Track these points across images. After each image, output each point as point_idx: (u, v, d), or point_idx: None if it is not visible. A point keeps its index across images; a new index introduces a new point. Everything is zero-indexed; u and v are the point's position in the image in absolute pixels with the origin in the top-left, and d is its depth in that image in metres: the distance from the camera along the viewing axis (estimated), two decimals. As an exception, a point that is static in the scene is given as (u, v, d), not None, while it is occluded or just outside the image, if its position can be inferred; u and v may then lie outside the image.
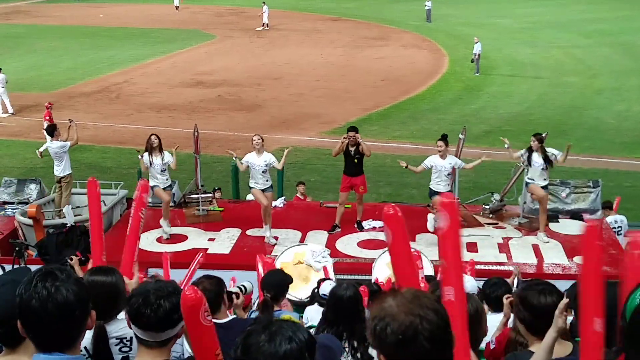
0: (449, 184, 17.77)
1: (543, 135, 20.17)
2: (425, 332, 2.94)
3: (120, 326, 5.33)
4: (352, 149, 18.22)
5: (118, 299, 5.36)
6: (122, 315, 5.33)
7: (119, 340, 5.35)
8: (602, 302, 3.87)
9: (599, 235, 3.78)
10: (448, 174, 17.68)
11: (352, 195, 18.99)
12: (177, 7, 77.56)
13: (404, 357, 2.99)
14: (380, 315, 3.05)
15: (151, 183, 18.29)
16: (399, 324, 2.97)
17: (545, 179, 17.78)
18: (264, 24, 64.34)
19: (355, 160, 18.34)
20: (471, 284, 9.77)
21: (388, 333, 2.99)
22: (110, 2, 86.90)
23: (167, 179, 18.47)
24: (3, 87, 35.96)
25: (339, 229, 18.66)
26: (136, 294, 4.56)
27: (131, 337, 5.24)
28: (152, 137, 18.37)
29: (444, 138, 17.97)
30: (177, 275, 10.44)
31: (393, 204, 3.78)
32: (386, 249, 15.13)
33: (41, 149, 20.26)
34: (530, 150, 17.72)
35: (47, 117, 29.46)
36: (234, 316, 7.35)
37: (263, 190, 17.87)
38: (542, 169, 17.60)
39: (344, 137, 18.35)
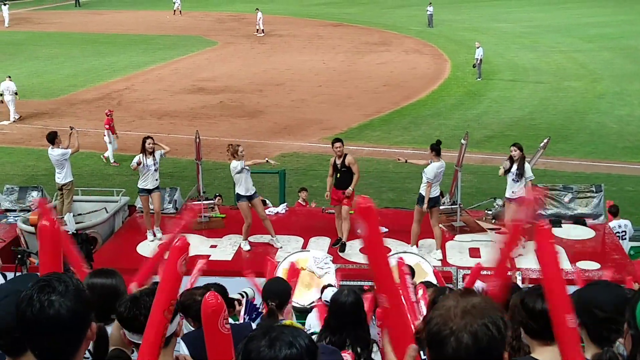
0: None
1: (546, 140, 20.21)
2: (450, 348, 2.92)
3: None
4: (338, 161, 18.05)
5: (114, 302, 5.36)
6: None
7: None
8: (568, 299, 3.89)
9: (550, 235, 3.75)
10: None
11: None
12: (176, 12, 77.56)
13: (434, 358, 3.02)
14: (437, 307, 3.08)
15: (141, 185, 18.50)
16: (437, 323, 3.00)
17: (513, 192, 17.60)
18: (258, 29, 64.33)
19: (338, 175, 18.09)
20: None
21: (430, 327, 3.03)
22: (111, 8, 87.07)
23: (156, 179, 18.69)
24: (11, 95, 36.09)
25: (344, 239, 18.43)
26: (124, 302, 4.57)
27: None
28: (148, 140, 18.50)
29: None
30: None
31: (366, 197, 3.75)
32: (388, 254, 15.17)
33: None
34: (511, 160, 17.63)
35: (108, 125, 29.57)
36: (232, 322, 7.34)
37: (251, 197, 17.97)
38: (512, 179, 17.50)
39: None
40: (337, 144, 18.03)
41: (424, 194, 17.32)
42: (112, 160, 29.64)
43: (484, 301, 3.07)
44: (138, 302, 4.58)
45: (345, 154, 18.02)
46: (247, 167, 17.75)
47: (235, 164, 17.62)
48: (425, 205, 17.32)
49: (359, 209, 3.63)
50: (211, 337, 4.20)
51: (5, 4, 76.79)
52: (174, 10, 78.19)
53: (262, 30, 64.22)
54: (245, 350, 3.21)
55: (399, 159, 18.92)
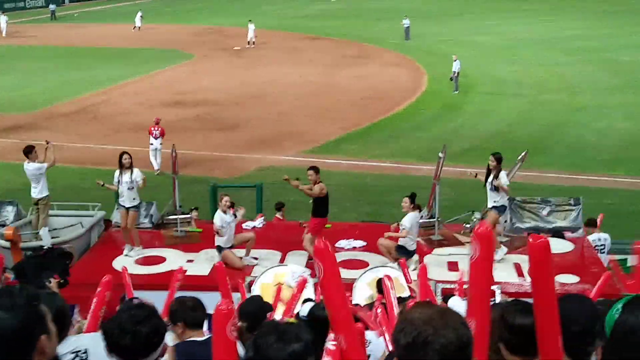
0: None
1: (524, 153, 20.26)
2: (436, 345, 3.01)
3: (71, 341, 5.33)
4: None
5: (63, 321, 5.34)
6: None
7: (74, 355, 5.35)
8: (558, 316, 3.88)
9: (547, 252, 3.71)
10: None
11: (334, 216, 18.89)
12: (137, 28, 76.78)
13: None
14: (403, 319, 3.19)
15: (119, 200, 18.55)
16: (413, 329, 3.07)
17: (495, 201, 17.74)
18: (249, 41, 64.37)
19: (310, 201, 18.10)
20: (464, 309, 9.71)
21: (403, 335, 3.10)
22: (88, 22, 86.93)
23: (134, 198, 18.48)
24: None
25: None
26: (111, 323, 4.54)
27: (86, 349, 5.26)
28: (125, 155, 18.40)
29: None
30: (157, 297, 10.35)
31: (323, 239, 3.80)
32: (366, 269, 15.17)
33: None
34: (488, 170, 17.77)
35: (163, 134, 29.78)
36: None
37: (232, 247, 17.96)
38: (490, 189, 17.62)
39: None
40: (309, 172, 17.92)
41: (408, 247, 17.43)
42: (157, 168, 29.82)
43: (447, 308, 3.31)
44: (125, 329, 4.54)
45: (321, 182, 17.81)
46: (234, 217, 17.79)
47: (221, 216, 17.65)
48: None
49: (317, 250, 3.69)
50: (218, 342, 4.18)
51: (4, 14, 76.91)
52: (137, 27, 77.07)
53: (250, 42, 64.39)
54: (254, 345, 3.48)
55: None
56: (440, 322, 3.07)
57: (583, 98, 43.10)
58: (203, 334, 7.07)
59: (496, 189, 17.58)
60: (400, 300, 10.58)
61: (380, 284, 13.45)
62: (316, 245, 3.75)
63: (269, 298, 11.81)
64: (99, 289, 7.47)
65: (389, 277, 9.93)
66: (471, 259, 3.76)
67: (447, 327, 3.06)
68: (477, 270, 3.79)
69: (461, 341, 3.06)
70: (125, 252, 18.73)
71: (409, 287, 13.34)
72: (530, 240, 3.68)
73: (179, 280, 11.00)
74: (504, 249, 18.13)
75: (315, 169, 17.97)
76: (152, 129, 29.64)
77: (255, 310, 8.40)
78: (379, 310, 9.01)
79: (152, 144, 29.53)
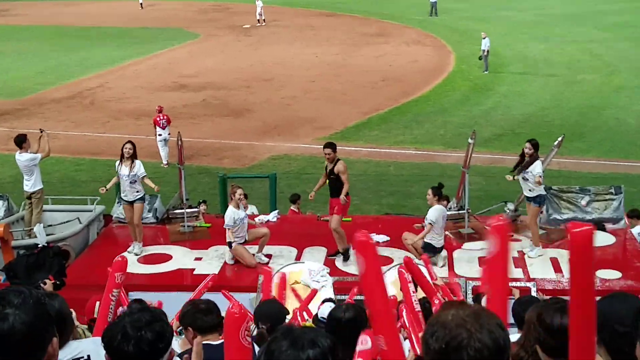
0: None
1: (560, 139, 20.15)
2: (471, 350, 2.99)
3: (72, 347, 5.32)
4: (329, 167, 17.68)
5: (64, 324, 5.32)
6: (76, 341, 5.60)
7: None
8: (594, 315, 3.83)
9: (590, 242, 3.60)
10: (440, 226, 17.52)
11: (354, 208, 18.80)
12: (141, 5, 77.16)
13: None
14: (434, 321, 3.16)
15: (122, 194, 18.49)
16: (446, 332, 3.05)
17: (530, 190, 17.58)
18: (259, 19, 64.72)
19: (327, 181, 17.84)
20: None
21: (434, 339, 3.08)
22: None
23: (137, 192, 18.28)
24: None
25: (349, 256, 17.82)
26: (112, 329, 4.52)
27: (88, 355, 5.30)
28: (127, 145, 18.27)
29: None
30: (161, 299, 10.35)
31: (364, 231, 3.76)
32: (390, 266, 15.11)
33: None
34: (522, 157, 17.64)
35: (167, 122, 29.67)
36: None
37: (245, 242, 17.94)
38: (523, 178, 17.49)
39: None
40: (326, 150, 17.60)
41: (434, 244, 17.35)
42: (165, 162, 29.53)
43: (480, 308, 3.29)
44: (128, 335, 4.53)
45: (338, 160, 17.53)
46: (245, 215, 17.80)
47: (234, 212, 17.60)
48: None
49: (357, 242, 3.66)
50: (230, 346, 4.20)
51: None
52: (140, 3, 77.54)
53: (260, 19, 64.74)
54: (268, 350, 3.40)
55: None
56: (475, 324, 3.03)
57: (621, 78, 42.87)
58: (219, 338, 7.06)
59: (526, 179, 17.50)
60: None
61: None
62: (356, 236, 3.72)
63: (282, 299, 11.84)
64: (109, 269, 7.45)
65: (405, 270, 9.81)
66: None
67: (482, 329, 3.02)
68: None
69: (497, 345, 3.02)
70: (129, 249, 18.67)
71: (434, 285, 13.33)
72: (570, 227, 3.49)
73: (207, 287, 10.99)
74: (540, 246, 18.02)
75: (333, 147, 17.66)
76: (158, 118, 29.37)
77: (275, 312, 8.43)
78: (403, 312, 8.99)
79: (160, 135, 29.19)
